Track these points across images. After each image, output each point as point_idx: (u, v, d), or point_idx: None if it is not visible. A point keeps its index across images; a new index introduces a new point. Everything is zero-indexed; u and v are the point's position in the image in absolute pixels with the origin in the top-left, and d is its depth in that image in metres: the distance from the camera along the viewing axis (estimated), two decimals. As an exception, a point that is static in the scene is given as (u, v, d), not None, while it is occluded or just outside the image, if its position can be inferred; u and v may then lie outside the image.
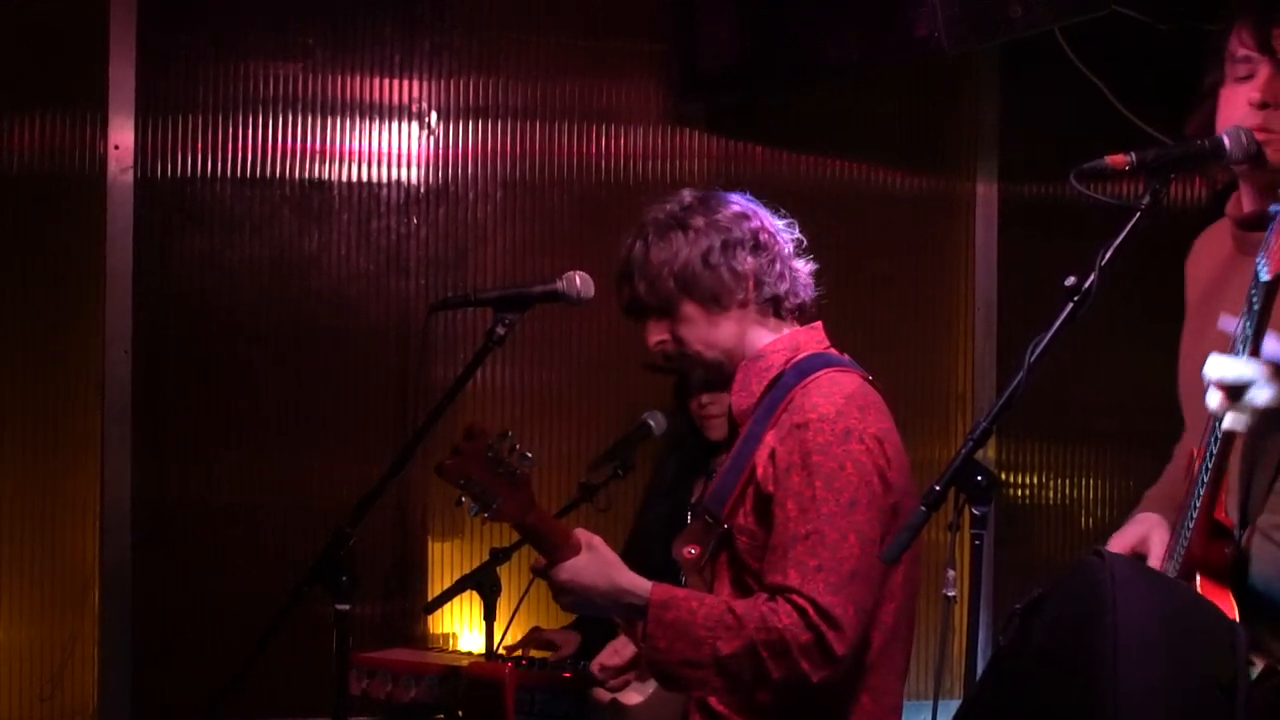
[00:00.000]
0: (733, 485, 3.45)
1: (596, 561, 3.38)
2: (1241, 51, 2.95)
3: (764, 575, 3.35)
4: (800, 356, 3.49)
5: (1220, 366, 2.59)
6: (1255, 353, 2.62)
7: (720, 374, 3.56)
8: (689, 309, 3.50)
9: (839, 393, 3.39)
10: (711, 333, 3.51)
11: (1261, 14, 2.94)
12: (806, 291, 3.58)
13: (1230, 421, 2.61)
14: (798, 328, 3.56)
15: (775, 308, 3.54)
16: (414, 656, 4.63)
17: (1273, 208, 2.61)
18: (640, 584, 3.36)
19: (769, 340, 3.52)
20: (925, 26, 4.92)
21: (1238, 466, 2.82)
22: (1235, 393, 2.58)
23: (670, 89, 6.09)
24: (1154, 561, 2.91)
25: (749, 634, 3.26)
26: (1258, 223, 2.95)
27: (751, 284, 3.50)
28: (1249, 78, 2.94)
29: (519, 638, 4.80)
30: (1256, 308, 2.64)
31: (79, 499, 5.62)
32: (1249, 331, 2.64)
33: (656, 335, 3.55)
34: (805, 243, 3.59)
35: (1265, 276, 2.62)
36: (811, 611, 3.24)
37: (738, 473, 3.45)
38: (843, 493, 3.30)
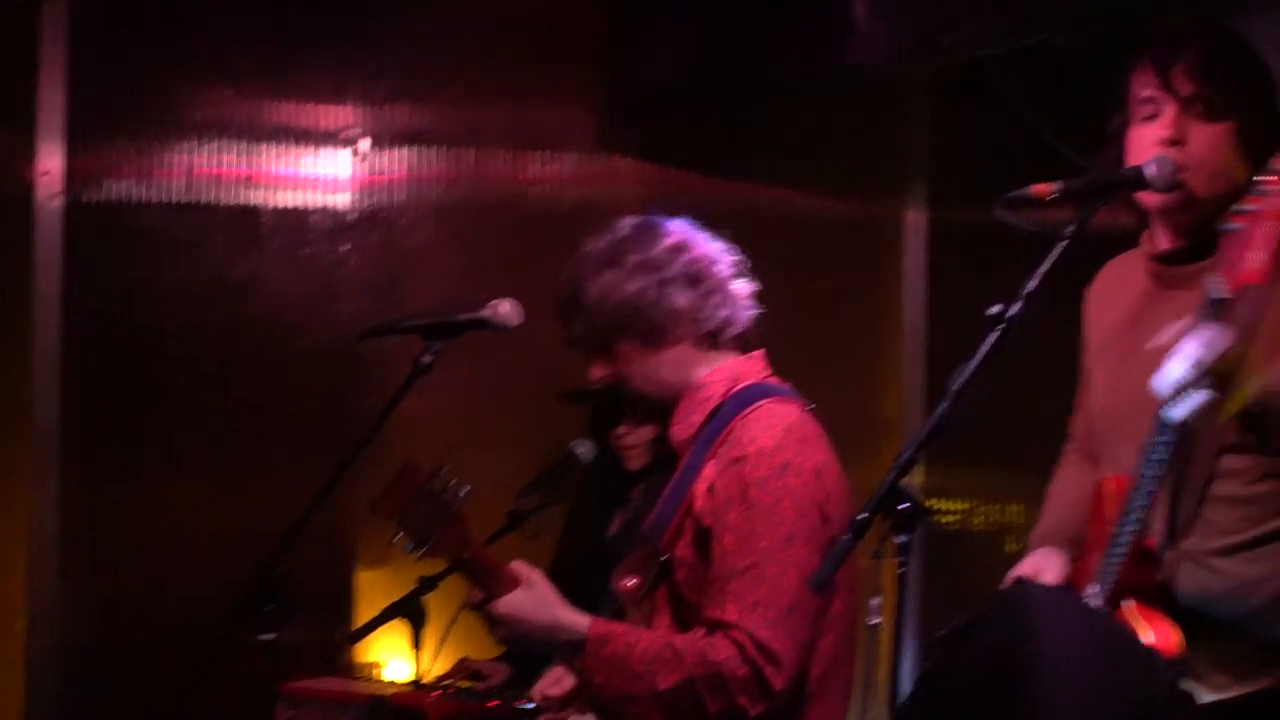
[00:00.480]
0: (671, 516, 3.45)
1: (534, 597, 3.37)
2: (1145, 93, 2.99)
3: (702, 609, 3.35)
4: (740, 386, 3.48)
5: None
6: None
7: (663, 406, 3.55)
8: (626, 347, 3.49)
9: (779, 425, 3.38)
10: (651, 369, 3.50)
11: (1161, 55, 2.98)
12: (747, 316, 3.55)
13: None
14: (738, 356, 3.54)
15: (714, 339, 3.52)
16: (342, 686, 4.61)
17: (1226, 225, 2.64)
18: (579, 620, 3.36)
19: (708, 371, 3.51)
20: (857, 53, 4.95)
21: (1162, 491, 2.84)
22: None
23: (604, 115, 6.08)
24: None
25: (687, 668, 3.26)
26: (1178, 257, 3.02)
27: (689, 319, 3.49)
28: (1154, 118, 2.97)
29: (448, 667, 4.77)
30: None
31: (5, 529, 5.55)
32: None
33: (599, 371, 3.55)
34: (749, 263, 3.58)
35: (1220, 294, 2.66)
36: (750, 646, 3.24)
37: (676, 504, 3.45)
38: (780, 526, 3.30)
